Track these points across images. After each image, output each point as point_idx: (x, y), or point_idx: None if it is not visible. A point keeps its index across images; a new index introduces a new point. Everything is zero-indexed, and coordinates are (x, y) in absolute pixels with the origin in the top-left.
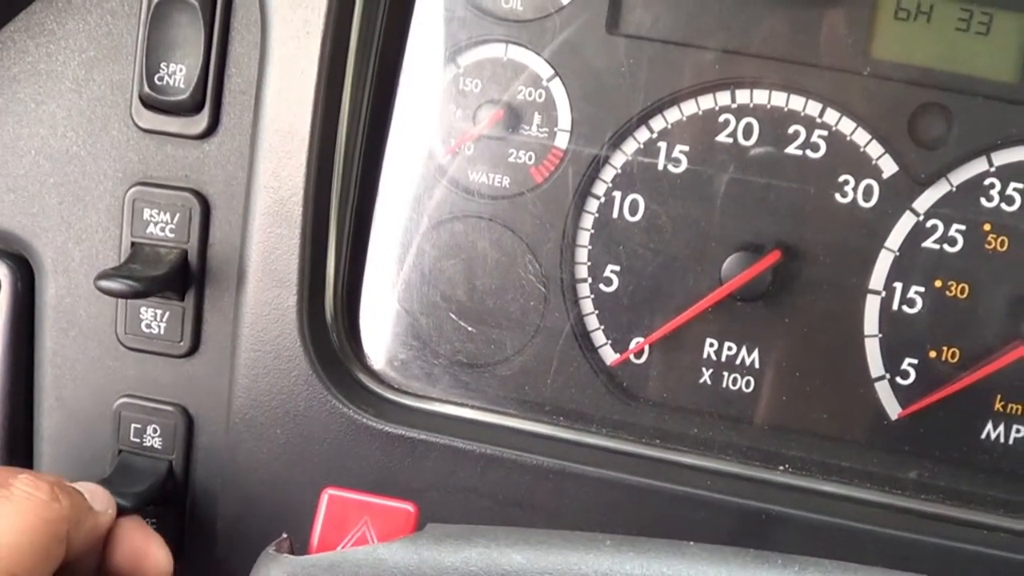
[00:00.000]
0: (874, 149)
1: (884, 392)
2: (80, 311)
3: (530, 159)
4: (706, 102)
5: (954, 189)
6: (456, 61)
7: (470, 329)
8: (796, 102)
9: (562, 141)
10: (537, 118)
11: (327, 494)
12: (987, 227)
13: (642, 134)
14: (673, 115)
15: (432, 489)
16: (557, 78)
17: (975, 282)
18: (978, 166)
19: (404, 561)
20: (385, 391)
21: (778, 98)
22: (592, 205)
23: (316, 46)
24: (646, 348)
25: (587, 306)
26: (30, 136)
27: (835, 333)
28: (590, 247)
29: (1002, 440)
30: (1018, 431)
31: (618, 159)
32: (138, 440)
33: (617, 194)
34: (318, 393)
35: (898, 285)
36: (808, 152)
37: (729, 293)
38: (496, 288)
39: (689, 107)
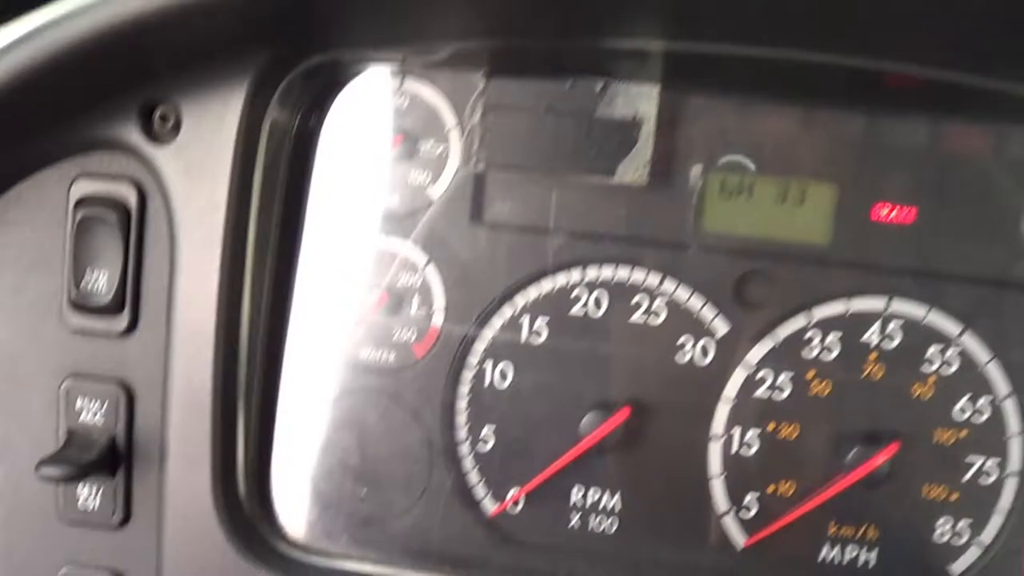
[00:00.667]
0: (708, 312)
1: (731, 525)
2: (24, 490)
3: (412, 336)
4: (561, 279)
5: (779, 343)
6: (344, 253)
7: (364, 491)
8: (638, 275)
9: (438, 320)
10: (416, 300)
11: None
12: (811, 374)
13: (506, 311)
14: (532, 293)
15: None
16: (431, 264)
17: (804, 423)
18: (799, 321)
19: None
20: (293, 552)
21: (622, 272)
22: (467, 376)
23: (217, 255)
24: (521, 498)
25: (467, 464)
26: None
27: (684, 475)
28: (468, 411)
29: (836, 561)
30: (852, 551)
31: (487, 334)
32: None
33: (488, 364)
34: (232, 559)
35: (736, 430)
36: (650, 319)
37: (588, 447)
38: (385, 455)
39: (546, 284)
